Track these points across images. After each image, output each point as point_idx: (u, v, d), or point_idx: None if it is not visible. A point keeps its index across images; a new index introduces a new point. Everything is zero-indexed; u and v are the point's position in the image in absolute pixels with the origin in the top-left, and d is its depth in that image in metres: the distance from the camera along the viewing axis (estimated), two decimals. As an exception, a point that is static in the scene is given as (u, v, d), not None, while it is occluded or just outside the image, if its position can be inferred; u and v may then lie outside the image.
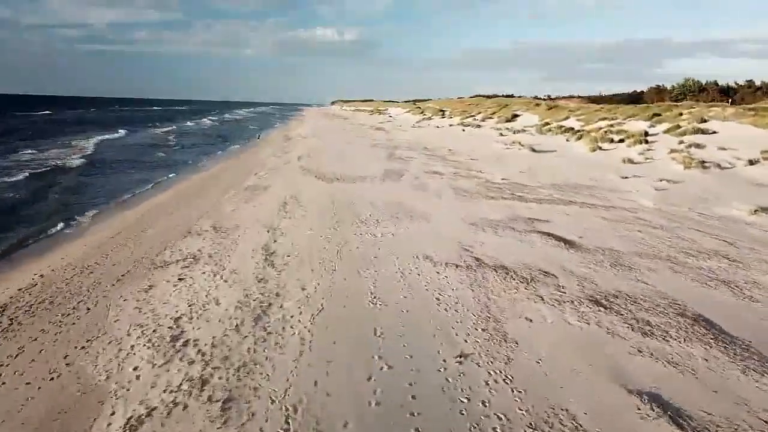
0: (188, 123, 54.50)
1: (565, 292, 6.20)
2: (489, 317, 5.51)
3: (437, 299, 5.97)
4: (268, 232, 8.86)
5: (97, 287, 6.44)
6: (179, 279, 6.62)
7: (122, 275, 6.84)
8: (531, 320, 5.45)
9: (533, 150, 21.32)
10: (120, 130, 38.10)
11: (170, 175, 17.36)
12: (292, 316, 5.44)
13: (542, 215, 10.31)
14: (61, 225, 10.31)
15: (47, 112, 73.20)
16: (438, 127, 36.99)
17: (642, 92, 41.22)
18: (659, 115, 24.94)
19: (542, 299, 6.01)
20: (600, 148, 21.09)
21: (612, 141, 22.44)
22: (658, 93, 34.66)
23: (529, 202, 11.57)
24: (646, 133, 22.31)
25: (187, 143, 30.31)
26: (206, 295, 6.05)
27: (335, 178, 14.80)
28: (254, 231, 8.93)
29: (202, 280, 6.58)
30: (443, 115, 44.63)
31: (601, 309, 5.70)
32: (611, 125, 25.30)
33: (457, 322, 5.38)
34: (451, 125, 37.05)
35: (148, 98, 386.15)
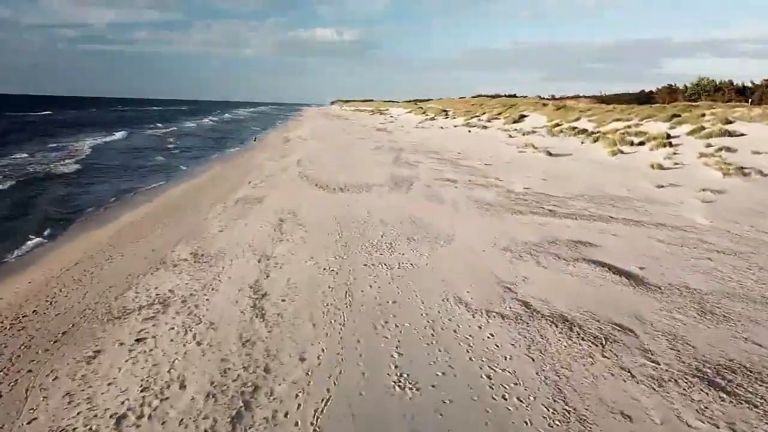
0: (188, 124, 52.52)
1: (658, 362, 4.49)
2: (568, 412, 3.79)
3: (488, 377, 4.24)
4: (259, 262, 7.13)
5: (25, 354, 4.70)
6: (137, 339, 4.88)
7: (63, 333, 5.09)
8: (630, 418, 3.74)
9: (549, 153, 19.60)
10: (119, 132, 36.10)
11: (156, 184, 15.62)
12: (286, 414, 3.70)
13: (585, 236, 8.59)
14: (16, 251, 8.54)
15: (47, 112, 71.37)
16: (442, 128, 35.25)
17: (651, 92, 39.55)
18: (678, 116, 23.24)
19: (631, 375, 4.29)
20: (621, 152, 19.38)
21: (632, 144, 20.75)
22: (671, 93, 32.96)
23: (564, 218, 9.85)
24: (669, 136, 20.64)
25: (186, 146, 28.25)
26: (169, 370, 4.31)
27: (338, 187, 13.06)
28: (243, 261, 7.19)
29: (168, 341, 4.84)
30: (446, 115, 42.87)
31: (723, 394, 3.99)
32: (628, 126, 23.59)
33: (525, 423, 3.67)
34: (455, 126, 35.29)
35: (150, 98, 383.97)
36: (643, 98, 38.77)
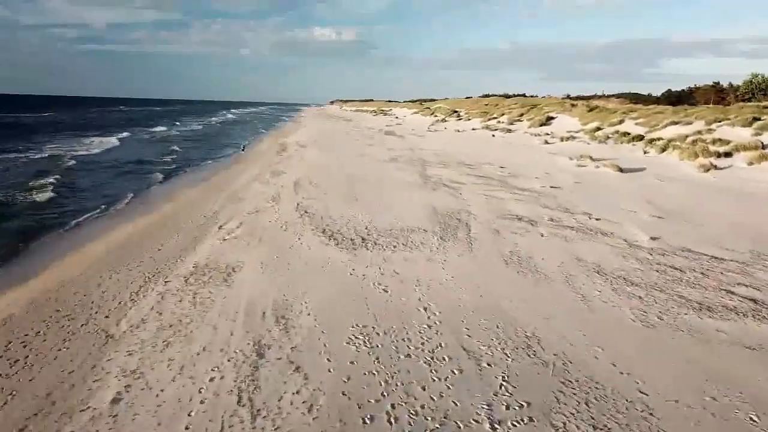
0: (186, 126, 46.30)
1: None
2: None
3: None
4: None
5: None
6: None
7: None
8: None
9: (620, 169, 14.53)
10: (113, 137, 30.14)
11: (106, 220, 10.48)
12: None
13: None
14: None
15: (46, 113, 65.38)
16: (458, 131, 30.08)
17: (683, 91, 34.57)
18: (759, 119, 18.25)
19: None
20: (714, 167, 14.38)
21: (718, 155, 15.75)
22: (718, 92, 27.89)
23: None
24: (764, 145, 15.66)
25: (175, 155, 21.86)
26: None
27: (359, 235, 7.96)
28: None
29: None
30: (458, 116, 37.70)
31: None
32: (699, 132, 18.56)
33: None
34: (473, 129, 30.14)
35: (152, 98, 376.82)
36: (676, 98, 33.82)
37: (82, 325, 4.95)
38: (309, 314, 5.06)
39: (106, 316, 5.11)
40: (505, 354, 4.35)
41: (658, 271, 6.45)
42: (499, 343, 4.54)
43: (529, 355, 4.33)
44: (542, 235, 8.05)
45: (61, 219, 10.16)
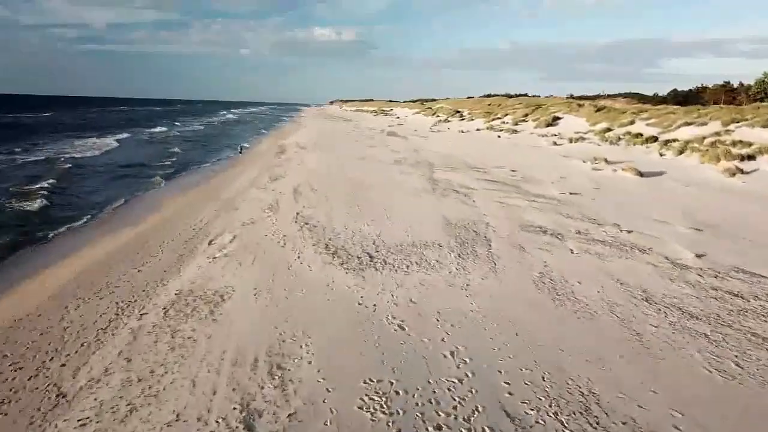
0: (187, 126, 45.27)
1: None
2: None
3: None
4: None
5: None
6: None
7: None
8: None
9: (640, 174, 13.55)
10: (113, 139, 28.76)
11: (87, 233, 9.47)
12: None
13: None
14: None
15: (47, 113, 64.15)
16: (462, 131, 29.08)
17: (691, 90, 33.62)
18: (779, 119, 17.26)
19: None
20: (740, 171, 13.40)
21: (742, 158, 14.79)
22: (728, 92, 26.91)
23: None
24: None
25: (179, 158, 20.50)
26: None
27: (365, 251, 6.99)
28: None
29: None
30: (461, 116, 36.69)
31: None
32: (717, 133, 17.59)
33: None
34: (478, 129, 29.13)
35: (153, 98, 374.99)
36: (680, 98, 32.86)
37: (31, 377, 3.98)
38: (311, 362, 4.09)
39: (63, 365, 4.14)
40: (560, 422, 3.38)
41: (716, 299, 5.48)
42: (550, 405, 3.57)
43: (591, 424, 3.36)
44: (572, 252, 7.08)
45: (46, 231, 9.14)
